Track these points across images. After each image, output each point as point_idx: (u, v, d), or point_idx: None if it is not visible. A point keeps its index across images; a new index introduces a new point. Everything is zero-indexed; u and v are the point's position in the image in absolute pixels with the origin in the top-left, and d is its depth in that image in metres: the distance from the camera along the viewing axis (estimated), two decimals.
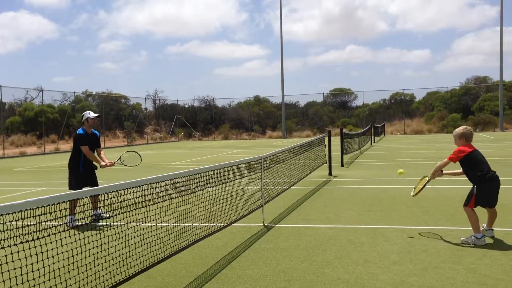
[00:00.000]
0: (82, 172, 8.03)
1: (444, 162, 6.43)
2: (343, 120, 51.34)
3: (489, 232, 6.27)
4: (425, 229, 6.87)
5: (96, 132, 8.52)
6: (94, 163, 8.15)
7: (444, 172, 6.69)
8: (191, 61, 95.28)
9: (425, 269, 5.09)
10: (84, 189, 7.39)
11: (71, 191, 3.55)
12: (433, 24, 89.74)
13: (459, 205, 8.52)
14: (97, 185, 8.00)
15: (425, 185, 6.81)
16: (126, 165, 8.48)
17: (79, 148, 8.02)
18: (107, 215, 7.00)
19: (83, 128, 8.24)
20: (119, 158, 8.35)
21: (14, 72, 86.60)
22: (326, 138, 15.12)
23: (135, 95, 70.38)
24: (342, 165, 16.05)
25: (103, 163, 8.14)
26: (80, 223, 6.66)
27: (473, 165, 6.23)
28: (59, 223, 3.60)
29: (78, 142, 8.03)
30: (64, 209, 3.62)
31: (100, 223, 7.00)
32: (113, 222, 7.09)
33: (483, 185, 6.17)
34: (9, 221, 3.15)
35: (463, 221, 7.29)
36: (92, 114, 8.29)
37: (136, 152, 8.82)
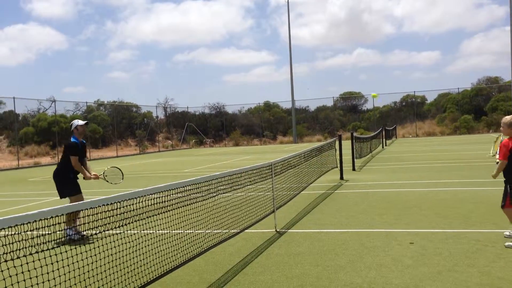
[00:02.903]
0: (72, 179, 7.86)
1: (502, 164, 6.22)
2: (353, 123, 51.15)
3: None
4: (439, 232, 6.83)
5: (83, 141, 8.26)
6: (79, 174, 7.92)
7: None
8: (199, 69, 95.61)
9: (439, 272, 5.06)
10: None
11: (88, 201, 3.60)
12: (440, 25, 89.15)
13: (473, 208, 8.48)
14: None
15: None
16: (107, 181, 8.13)
17: (69, 157, 7.79)
18: (78, 236, 6.47)
19: (75, 136, 7.98)
20: (103, 173, 8.08)
21: (26, 84, 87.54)
22: (337, 142, 15.10)
23: (146, 104, 70.80)
24: (353, 169, 16.00)
25: (88, 175, 7.89)
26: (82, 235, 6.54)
27: None
28: (74, 232, 3.65)
29: (71, 150, 7.78)
30: (78, 218, 3.67)
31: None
32: (127, 231, 7.15)
33: None
34: (24, 231, 3.20)
35: (477, 224, 7.24)
36: (80, 122, 8.08)
37: (119, 168, 8.46)
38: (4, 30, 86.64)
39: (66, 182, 7.85)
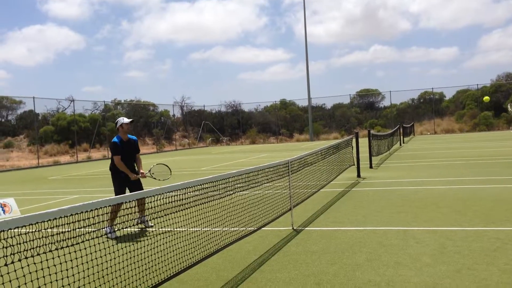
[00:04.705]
0: (123, 177, 7.90)
1: None
2: (371, 121, 50.78)
3: None
4: (458, 230, 6.75)
5: (133, 137, 8.27)
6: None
7: None
8: (215, 67, 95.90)
9: (459, 270, 5.00)
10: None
11: (106, 198, 3.64)
12: (457, 21, 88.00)
13: (493, 205, 8.35)
14: (142, 189, 7.70)
15: None
16: (155, 179, 8.18)
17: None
18: (151, 224, 7.12)
19: (118, 135, 8.00)
20: (149, 171, 8.12)
21: (45, 83, 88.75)
22: (354, 140, 15.00)
23: (162, 103, 71.13)
24: (371, 167, 15.89)
25: (132, 175, 7.89)
26: (117, 235, 6.79)
27: None
28: (93, 229, 3.70)
29: (112, 150, 7.89)
30: (97, 216, 3.72)
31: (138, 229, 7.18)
32: (144, 228, 7.21)
33: None
34: (45, 228, 3.25)
35: (497, 221, 7.14)
36: (125, 120, 8.05)
37: (165, 165, 8.46)
38: (22, 31, 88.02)
39: (115, 180, 7.95)
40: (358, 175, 13.71)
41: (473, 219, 7.38)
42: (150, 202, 4.39)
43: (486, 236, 6.31)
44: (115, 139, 7.97)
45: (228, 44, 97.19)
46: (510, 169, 13.60)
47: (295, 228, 7.45)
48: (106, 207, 3.74)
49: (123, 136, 8.01)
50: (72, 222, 3.45)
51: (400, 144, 28.72)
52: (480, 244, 5.97)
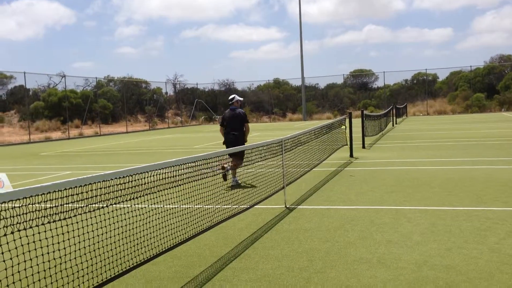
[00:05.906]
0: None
1: None
2: (364, 101, 50.77)
3: None
4: (449, 210, 6.81)
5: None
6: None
7: None
8: (207, 45, 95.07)
9: (449, 249, 5.06)
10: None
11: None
12: (451, 1, 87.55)
13: (484, 186, 8.43)
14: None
15: None
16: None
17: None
18: (239, 182, 8.75)
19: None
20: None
21: (35, 58, 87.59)
22: (347, 120, 15.01)
23: (155, 80, 70.58)
24: (363, 147, 15.94)
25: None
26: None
27: None
28: (85, 204, 3.68)
29: (246, 119, 9.73)
30: (90, 190, 3.70)
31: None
32: (136, 204, 7.20)
33: None
34: (38, 202, 3.23)
35: (488, 202, 7.21)
36: (240, 98, 10.04)
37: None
38: (11, 5, 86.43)
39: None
40: (351, 155, 13.76)
41: (464, 199, 7.44)
42: (144, 178, 4.37)
43: (476, 216, 6.37)
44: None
45: (221, 22, 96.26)
46: (501, 150, 13.71)
47: (288, 206, 7.48)
48: (100, 182, 3.71)
49: None
50: (66, 196, 3.43)
51: (393, 125, 28.81)
52: (470, 223, 6.03)
